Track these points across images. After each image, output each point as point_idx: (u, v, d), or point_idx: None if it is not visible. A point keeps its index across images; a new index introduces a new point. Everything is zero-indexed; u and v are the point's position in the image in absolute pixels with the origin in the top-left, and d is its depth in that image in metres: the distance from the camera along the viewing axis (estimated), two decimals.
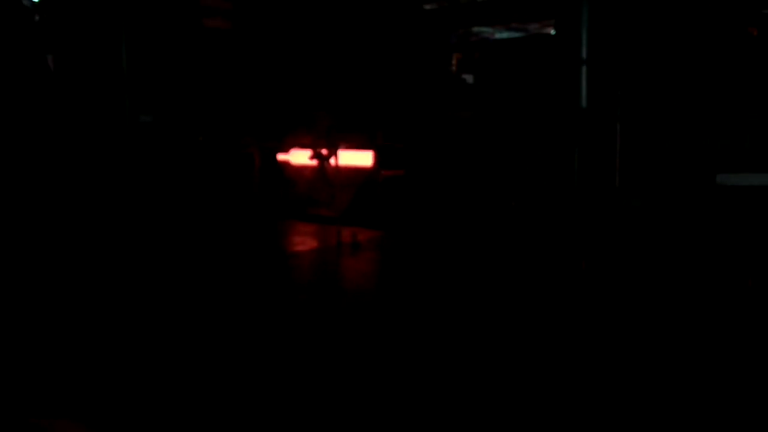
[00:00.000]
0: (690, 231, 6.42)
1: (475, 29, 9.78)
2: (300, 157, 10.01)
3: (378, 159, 9.17)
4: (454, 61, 10.87)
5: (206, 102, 9.50)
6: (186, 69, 9.44)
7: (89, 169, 8.00)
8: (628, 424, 3.38)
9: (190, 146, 9.18)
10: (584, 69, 5.83)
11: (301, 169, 10.05)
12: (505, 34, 10.36)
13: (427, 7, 9.54)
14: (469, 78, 8.72)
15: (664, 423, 3.36)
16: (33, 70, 8.31)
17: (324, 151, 8.70)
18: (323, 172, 9.16)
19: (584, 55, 5.84)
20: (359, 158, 9.32)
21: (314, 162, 8.91)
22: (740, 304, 5.22)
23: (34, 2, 10.03)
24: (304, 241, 8.03)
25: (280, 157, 10.16)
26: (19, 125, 7.84)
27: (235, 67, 10.06)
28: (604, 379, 3.91)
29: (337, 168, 8.47)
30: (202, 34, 9.68)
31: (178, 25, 9.38)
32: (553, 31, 8.61)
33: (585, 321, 4.98)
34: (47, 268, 6.37)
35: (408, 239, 8.31)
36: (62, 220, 7.42)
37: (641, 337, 4.62)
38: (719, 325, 4.85)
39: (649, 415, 3.45)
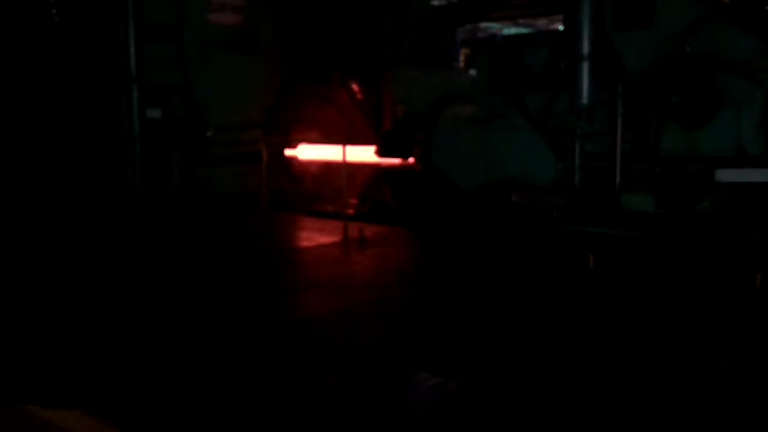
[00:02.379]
0: None
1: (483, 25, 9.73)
2: (307, 152, 10.02)
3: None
4: (462, 57, 10.78)
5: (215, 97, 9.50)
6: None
7: (92, 165, 8.02)
8: None
9: (198, 142, 9.19)
10: (586, 65, 5.81)
11: (308, 165, 10.06)
12: (513, 30, 10.31)
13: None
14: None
15: None
16: (53, 66, 8.34)
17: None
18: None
19: (586, 50, 5.82)
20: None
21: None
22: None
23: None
24: (310, 237, 8.05)
25: (288, 152, 10.17)
26: (32, 121, 7.88)
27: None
28: None
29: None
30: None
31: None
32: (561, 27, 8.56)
33: None
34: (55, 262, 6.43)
35: (415, 234, 8.32)
36: (62, 216, 7.45)
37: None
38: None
39: None
